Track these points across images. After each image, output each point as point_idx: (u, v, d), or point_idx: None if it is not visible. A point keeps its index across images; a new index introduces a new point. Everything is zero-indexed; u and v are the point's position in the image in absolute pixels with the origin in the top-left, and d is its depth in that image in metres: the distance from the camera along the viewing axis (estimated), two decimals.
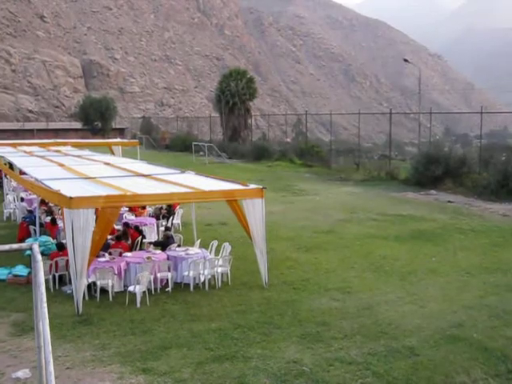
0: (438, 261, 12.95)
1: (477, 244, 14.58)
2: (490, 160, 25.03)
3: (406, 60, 61.79)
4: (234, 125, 47.00)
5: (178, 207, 16.84)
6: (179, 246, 12.81)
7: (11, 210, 18.44)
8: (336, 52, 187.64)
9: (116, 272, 10.66)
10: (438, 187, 24.37)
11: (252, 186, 11.25)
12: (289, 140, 49.25)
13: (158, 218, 16.05)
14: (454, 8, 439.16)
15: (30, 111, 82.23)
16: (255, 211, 10.84)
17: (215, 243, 12.36)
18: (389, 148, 33.09)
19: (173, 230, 14.86)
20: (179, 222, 16.42)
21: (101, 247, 10.74)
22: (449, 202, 21.56)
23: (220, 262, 11.35)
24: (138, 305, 9.99)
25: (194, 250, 11.89)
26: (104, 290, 10.46)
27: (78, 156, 20.08)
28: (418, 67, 74.82)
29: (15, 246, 4.46)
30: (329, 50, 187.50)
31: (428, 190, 24.01)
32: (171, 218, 16.14)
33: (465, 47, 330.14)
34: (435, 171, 24.63)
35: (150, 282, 10.56)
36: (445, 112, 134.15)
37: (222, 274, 11.31)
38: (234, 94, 45.74)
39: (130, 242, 12.99)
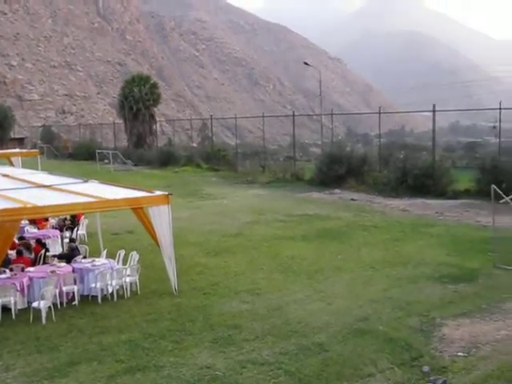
0: (343, 258, 13.35)
1: (379, 239, 15.16)
2: (389, 158, 26.11)
3: (306, 63, 63.17)
4: (138, 131, 46.38)
5: (82, 218, 16.35)
6: (85, 257, 12.44)
7: None
8: (239, 56, 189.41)
9: (18, 288, 10.20)
10: (341, 186, 25.12)
11: (157, 192, 11.12)
12: (195, 145, 49.18)
13: (61, 230, 15.52)
14: (351, 12, 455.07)
15: None
16: (162, 218, 10.73)
17: (122, 252, 12.12)
18: (293, 149, 33.71)
19: (78, 241, 14.44)
20: (84, 232, 15.96)
21: (0, 263, 10.26)
22: (352, 199, 22.29)
23: (128, 272, 11.13)
24: (44, 321, 9.60)
25: (101, 261, 11.60)
26: (6, 308, 9.99)
27: None
28: (318, 70, 76.72)
29: None
30: (232, 54, 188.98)
31: (332, 189, 24.69)
32: (76, 228, 15.66)
33: (363, 50, 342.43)
34: (338, 170, 25.39)
35: (55, 296, 10.18)
36: (346, 113, 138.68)
37: (131, 284, 11.10)
38: (138, 100, 45.16)
39: (32, 256, 12.48)
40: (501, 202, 12.98)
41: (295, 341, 8.46)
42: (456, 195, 21.98)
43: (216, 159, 36.92)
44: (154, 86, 47.85)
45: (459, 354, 7.94)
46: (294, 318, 9.46)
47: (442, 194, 22.11)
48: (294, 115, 35.36)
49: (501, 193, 12.86)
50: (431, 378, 7.18)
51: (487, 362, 7.62)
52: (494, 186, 12.83)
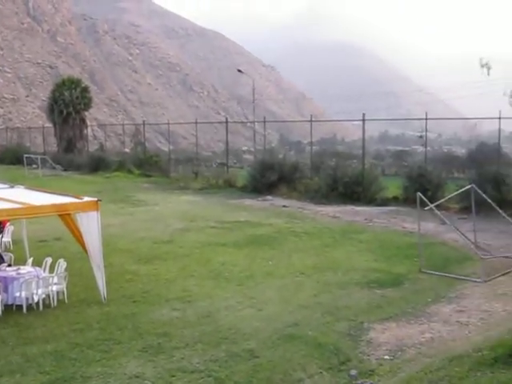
0: (274, 264, 13.44)
1: (310, 246, 15.37)
2: (320, 166, 26.53)
3: (239, 70, 63.63)
4: (68, 135, 45.31)
5: (8, 224, 15.78)
6: (10, 265, 11.98)
7: None
8: (173, 61, 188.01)
9: None
10: (273, 193, 25.35)
11: (86, 198, 10.88)
12: (127, 150, 48.40)
13: None
14: (285, 21, 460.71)
15: None
16: (90, 225, 10.49)
17: (49, 260, 11.73)
18: (226, 156, 33.78)
19: (3, 248, 13.94)
20: (9, 239, 15.38)
21: None
22: (284, 206, 22.51)
23: (55, 280, 10.80)
24: None
25: (26, 269, 11.20)
26: None
27: None
28: (252, 78, 77.16)
29: None
30: (166, 59, 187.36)
31: (264, 196, 24.87)
32: (0, 236, 15.10)
33: (296, 59, 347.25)
34: (270, 177, 25.61)
35: None
36: (279, 120, 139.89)
37: (58, 293, 10.76)
38: (68, 104, 44.15)
39: None
40: (426, 208, 13.46)
41: (225, 347, 8.43)
42: (384, 202, 22.59)
43: (148, 165, 36.54)
44: (86, 89, 46.92)
45: (385, 357, 8.12)
46: (225, 324, 9.43)
47: (371, 201, 22.67)
48: (227, 122, 35.54)
49: (426, 200, 13.32)
50: (358, 382, 7.32)
51: (412, 364, 7.83)
52: (419, 194, 13.29)
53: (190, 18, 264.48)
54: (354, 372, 7.60)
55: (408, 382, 7.27)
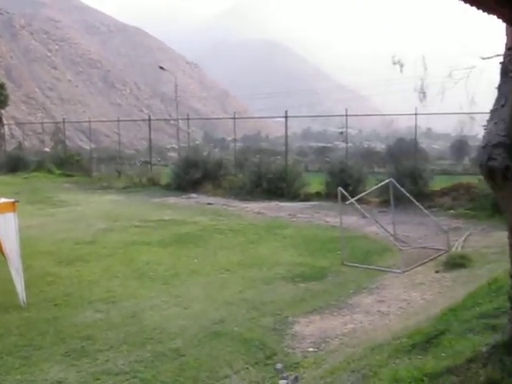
0: (199, 262, 13.40)
1: (235, 242, 15.42)
2: (244, 162, 26.69)
3: (161, 68, 62.94)
4: None
5: None
6: None
7: None
8: (94, 58, 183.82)
9: None
10: (198, 190, 25.28)
11: (2, 199, 10.47)
12: (47, 149, 46.99)
13: None
14: (208, 18, 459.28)
15: None
16: (7, 227, 10.10)
17: None
18: (150, 154, 33.40)
19: None
20: None
21: None
22: (208, 203, 22.48)
23: None
24: None
25: None
26: None
27: None
28: (174, 75, 76.57)
29: None
30: (86, 55, 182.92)
31: (189, 194, 24.76)
32: None
33: (219, 56, 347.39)
34: (195, 175, 25.54)
35: None
36: (202, 118, 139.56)
37: None
38: None
39: None
40: (347, 203, 13.80)
41: (151, 348, 8.33)
42: (308, 198, 22.99)
43: (69, 164, 35.62)
44: (2, 86, 45.27)
45: (310, 349, 8.25)
46: (150, 324, 9.32)
47: (294, 196, 23.02)
48: (150, 119, 35.10)
49: (347, 194, 13.66)
50: (284, 375, 7.40)
51: (335, 355, 7.98)
52: (340, 189, 13.62)
53: (111, 14, 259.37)
54: (279, 366, 7.68)
55: (332, 372, 7.42)
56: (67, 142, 41.45)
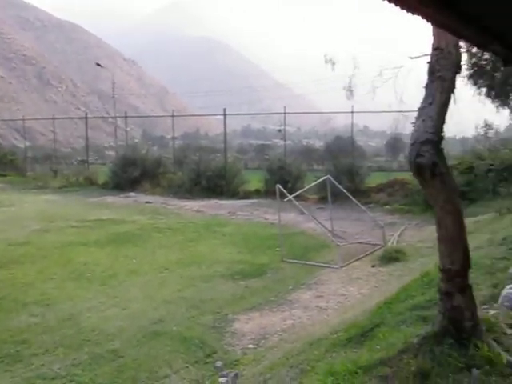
0: (138, 261, 13.24)
1: (174, 241, 15.32)
2: (183, 160, 26.55)
3: (98, 64, 61.76)
4: None
5: None
6: None
7: None
8: (28, 54, 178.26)
9: None
10: (136, 189, 24.98)
11: None
12: None
13: None
14: (146, 15, 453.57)
15: None
16: None
17: None
18: (87, 153, 32.76)
19: None
20: None
21: None
22: (147, 202, 22.26)
23: None
24: None
25: None
26: None
27: None
28: (111, 72, 75.28)
29: None
30: (20, 51, 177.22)
31: (127, 193, 24.44)
32: None
33: (158, 53, 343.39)
34: (133, 173, 25.24)
35: None
36: (140, 116, 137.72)
37: None
38: None
39: None
40: (285, 200, 13.94)
41: (88, 350, 8.17)
42: (247, 195, 23.09)
43: (3, 164, 34.53)
44: None
45: (250, 346, 8.29)
46: (87, 326, 9.14)
47: (234, 194, 23.08)
48: (86, 117, 34.45)
49: (285, 191, 13.80)
50: (223, 373, 7.40)
51: (274, 351, 8.05)
52: (278, 186, 13.73)
53: (46, 9, 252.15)
54: (219, 363, 7.67)
55: (271, 368, 7.47)
56: (0, 141, 40.17)
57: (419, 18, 2.96)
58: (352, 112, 23.64)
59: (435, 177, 4.03)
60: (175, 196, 23.42)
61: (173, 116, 30.22)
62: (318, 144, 37.88)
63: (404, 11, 2.82)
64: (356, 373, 4.41)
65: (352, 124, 24.89)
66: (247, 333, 8.77)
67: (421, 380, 3.96)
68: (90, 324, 9.23)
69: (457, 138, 36.87)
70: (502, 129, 27.19)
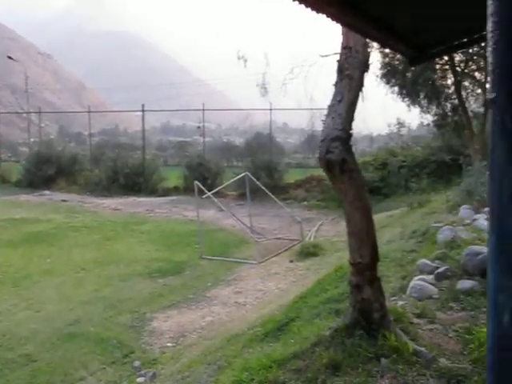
0: (53, 261, 12.85)
1: (91, 240, 14.97)
2: (101, 157, 25.98)
3: (10, 57, 59.32)
4: None
5: None
6: None
7: None
8: None
9: None
10: (51, 187, 24.22)
11: None
12: None
13: None
14: (62, 7, 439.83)
15: None
16: None
17: None
18: None
19: None
20: None
21: None
22: (63, 200, 21.64)
23: None
24: None
25: None
26: None
27: None
28: (25, 66, 72.63)
29: None
30: None
31: (41, 191, 23.66)
32: None
33: (75, 48, 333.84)
34: (48, 171, 24.45)
35: None
36: (55, 111, 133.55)
37: None
38: None
39: None
40: (203, 197, 13.93)
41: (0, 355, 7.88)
42: (166, 192, 22.89)
43: None
44: None
45: (168, 344, 8.24)
46: None
47: (152, 191, 22.82)
48: None
49: (203, 188, 13.78)
50: (141, 372, 7.33)
51: (193, 348, 8.04)
52: (196, 183, 13.71)
53: None
54: (137, 363, 7.60)
55: (189, 366, 7.45)
56: None
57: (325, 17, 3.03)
58: (270, 109, 23.90)
59: (344, 173, 4.14)
60: (92, 194, 22.88)
61: (89, 112, 29.51)
62: (239, 141, 37.97)
63: (311, 11, 2.87)
64: (270, 367, 4.46)
65: (270, 121, 25.16)
66: (166, 331, 8.71)
67: (332, 371, 4.06)
68: (0, 328, 8.88)
69: (374, 135, 37.98)
70: (414, 126, 28.19)
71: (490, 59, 0.53)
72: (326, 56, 5.24)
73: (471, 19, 4.54)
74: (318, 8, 2.58)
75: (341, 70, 4.31)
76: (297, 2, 2.58)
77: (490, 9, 0.53)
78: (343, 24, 3.24)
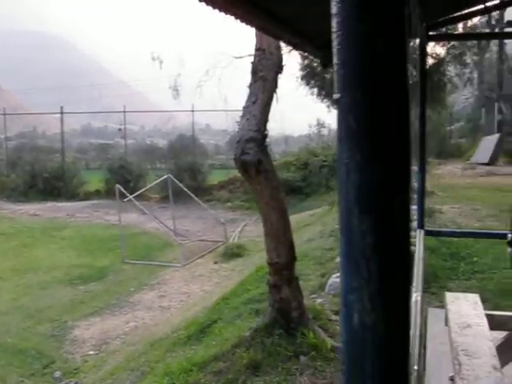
0: None
1: (7, 247, 14.40)
2: (18, 161, 25.04)
3: None
4: None
5: None
6: None
7: None
8: None
9: None
10: None
11: None
12: None
13: None
14: None
15: None
16: None
17: None
18: None
19: None
20: None
21: None
22: None
23: None
24: None
25: None
26: None
27: None
28: None
29: None
30: None
31: None
32: None
33: None
34: None
35: None
36: None
37: None
38: None
39: None
40: (125, 200, 13.69)
41: None
42: (87, 196, 22.29)
43: None
44: None
45: (91, 352, 8.07)
46: None
47: (73, 196, 22.15)
48: None
49: (125, 191, 13.55)
50: (62, 383, 7.15)
51: (116, 355, 7.91)
52: (118, 186, 13.47)
53: None
54: (57, 374, 7.41)
55: (112, 373, 7.32)
56: None
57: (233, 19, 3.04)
58: (192, 111, 23.81)
59: (260, 173, 4.17)
60: (9, 200, 21.95)
61: (5, 114, 28.43)
62: (162, 143, 37.59)
63: (219, 12, 2.87)
64: (191, 370, 4.46)
65: (193, 123, 25.08)
66: (88, 339, 8.52)
67: (252, 371, 4.08)
68: None
69: (296, 135, 38.53)
70: (334, 127, 28.78)
71: (334, 60, 0.54)
72: (240, 58, 5.27)
73: None
74: (226, 9, 2.58)
75: (255, 72, 4.34)
76: (204, 3, 2.57)
77: (333, 9, 0.54)
78: (252, 26, 3.25)
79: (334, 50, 0.54)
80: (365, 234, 0.52)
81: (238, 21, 3.04)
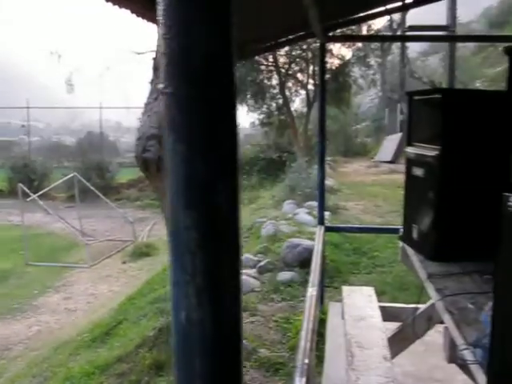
0: None
1: None
2: None
3: None
4: None
5: None
6: None
7: None
8: None
9: None
10: None
11: None
12: None
13: None
14: None
15: None
16: None
17: None
18: None
19: None
20: None
21: None
22: None
23: None
24: None
25: None
26: None
27: None
28: None
29: None
30: None
31: None
32: None
33: None
34: None
35: None
36: None
37: None
38: None
39: None
40: (28, 200, 13.18)
41: None
42: None
43: None
44: None
45: None
46: None
47: None
48: None
49: (28, 191, 13.05)
50: None
51: (18, 361, 7.61)
52: (20, 185, 12.95)
53: None
54: None
55: (13, 380, 7.04)
56: None
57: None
58: (100, 108, 23.27)
59: (160, 171, 4.12)
60: None
61: None
62: (70, 140, 36.46)
63: (113, 5, 2.81)
64: (93, 373, 4.36)
65: (101, 120, 24.50)
66: None
67: (156, 372, 4.04)
68: None
69: None
70: (247, 125, 28.96)
71: (161, 50, 0.54)
72: (142, 54, 5.18)
73: (289, 20, 4.74)
74: (141, 14, 2.52)
75: (156, 68, 4.27)
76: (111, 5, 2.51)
77: (159, 11, 0.54)
78: (149, 21, 3.21)
79: (160, 39, 0.54)
80: (189, 229, 0.52)
81: (134, 15, 3.00)
